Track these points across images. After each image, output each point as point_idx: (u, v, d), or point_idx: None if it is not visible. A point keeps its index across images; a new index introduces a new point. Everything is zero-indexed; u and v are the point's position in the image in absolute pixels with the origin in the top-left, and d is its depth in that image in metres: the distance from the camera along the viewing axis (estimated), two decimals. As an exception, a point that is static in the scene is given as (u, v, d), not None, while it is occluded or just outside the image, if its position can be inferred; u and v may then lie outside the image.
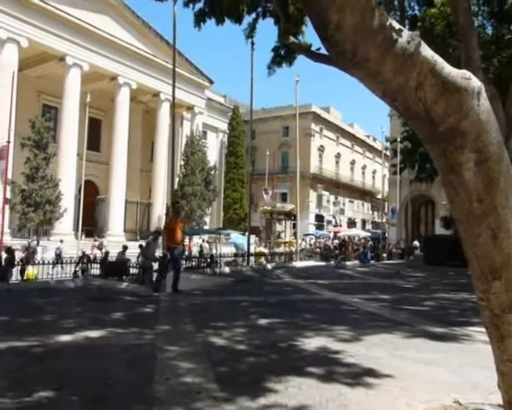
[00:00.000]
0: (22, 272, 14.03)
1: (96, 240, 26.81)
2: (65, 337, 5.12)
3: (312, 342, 5.01)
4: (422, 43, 2.10)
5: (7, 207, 22.78)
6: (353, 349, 4.73)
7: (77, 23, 28.52)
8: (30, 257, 14.76)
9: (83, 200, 25.42)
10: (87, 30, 29.22)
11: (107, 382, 3.69)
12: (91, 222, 32.06)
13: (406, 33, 2.12)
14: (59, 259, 16.88)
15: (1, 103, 24.13)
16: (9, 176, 22.79)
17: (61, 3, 27.63)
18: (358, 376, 3.85)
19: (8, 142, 19.29)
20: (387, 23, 2.12)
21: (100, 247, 25.37)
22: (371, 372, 3.95)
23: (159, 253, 12.85)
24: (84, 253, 16.62)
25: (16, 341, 4.92)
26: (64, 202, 25.76)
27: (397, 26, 2.16)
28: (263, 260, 19.13)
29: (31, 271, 14.08)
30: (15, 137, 23.08)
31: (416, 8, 10.20)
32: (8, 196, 22.98)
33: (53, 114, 31.79)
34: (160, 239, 12.42)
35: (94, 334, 5.33)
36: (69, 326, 5.83)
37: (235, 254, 18.95)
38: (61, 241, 21.65)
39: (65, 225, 26.89)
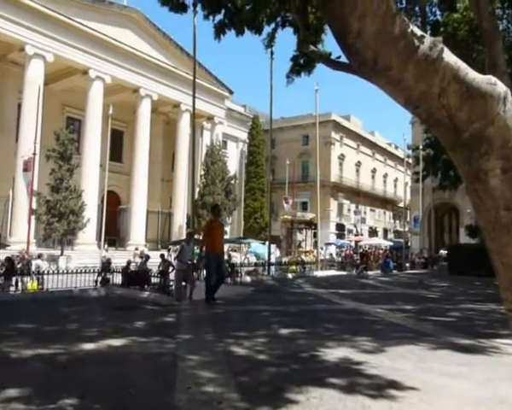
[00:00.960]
0: (16, 283, 13.48)
1: (136, 249, 27.27)
2: (88, 346, 5.18)
3: (334, 353, 4.95)
4: (445, 48, 2.07)
5: (33, 217, 23.31)
6: (376, 360, 4.65)
7: (100, 37, 29.23)
8: (24, 269, 14.32)
9: (105, 210, 25.85)
10: (109, 44, 29.90)
11: (130, 390, 3.71)
12: (114, 232, 32.53)
13: (428, 39, 2.09)
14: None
15: (28, 117, 24.86)
16: (35, 187, 23.35)
17: (85, 19, 28.39)
18: (382, 388, 3.78)
19: (34, 154, 19.80)
20: (409, 30, 2.10)
21: (141, 255, 25.78)
22: (395, 385, 3.87)
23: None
24: (103, 262, 16.72)
25: (42, 348, 5.00)
26: (87, 212, 26.22)
27: (418, 32, 2.14)
28: (294, 267, 19.19)
29: (30, 283, 13.61)
30: (41, 149, 23.67)
31: (438, 13, 10.09)
32: (34, 206, 23.53)
33: (76, 126, 32.54)
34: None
35: (116, 343, 5.38)
36: (92, 335, 5.90)
37: (256, 264, 18.92)
38: (106, 250, 21.16)
39: (88, 234, 27.35)
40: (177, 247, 16.54)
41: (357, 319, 7.52)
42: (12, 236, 24.73)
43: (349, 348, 5.23)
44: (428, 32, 8.10)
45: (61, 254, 24.30)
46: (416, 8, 9.20)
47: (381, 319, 7.63)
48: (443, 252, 33.01)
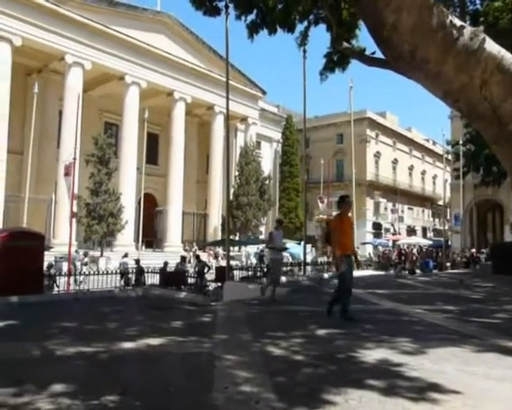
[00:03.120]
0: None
1: (211, 249, 27.97)
2: (128, 344, 5.30)
3: (373, 354, 4.85)
4: (487, 38, 1.99)
5: (74, 220, 24.12)
6: (417, 363, 4.52)
7: (135, 43, 29.95)
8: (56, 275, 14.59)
9: (142, 212, 26.45)
10: (144, 49, 30.58)
11: (168, 389, 3.77)
12: (151, 233, 33.23)
13: (468, 29, 2.02)
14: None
15: (68, 123, 25.78)
16: (76, 191, 24.16)
17: (121, 26, 29.15)
18: (423, 391, 3.67)
19: (75, 159, 20.45)
20: (447, 20, 2.03)
21: (216, 256, 26.46)
22: (437, 387, 3.74)
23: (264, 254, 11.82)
24: (138, 262, 16.96)
25: (84, 346, 5.16)
26: (125, 214, 26.88)
27: (458, 22, 2.06)
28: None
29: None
30: (81, 154, 24.48)
31: (478, 2, 9.71)
32: (75, 209, 24.35)
33: (114, 130, 33.46)
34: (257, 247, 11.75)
35: (155, 342, 5.48)
36: (132, 334, 6.03)
37: (292, 264, 18.84)
38: (126, 255, 22.00)
39: (126, 236, 28.05)
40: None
41: (396, 320, 7.35)
42: (55, 238, 25.69)
43: (388, 349, 5.11)
44: (468, 22, 7.81)
45: (101, 256, 25.04)
46: (454, -1, 8.92)
47: (421, 319, 7.42)
48: (485, 251, 31.82)
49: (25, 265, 10.29)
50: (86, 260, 19.89)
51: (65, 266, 17.32)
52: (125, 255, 20.22)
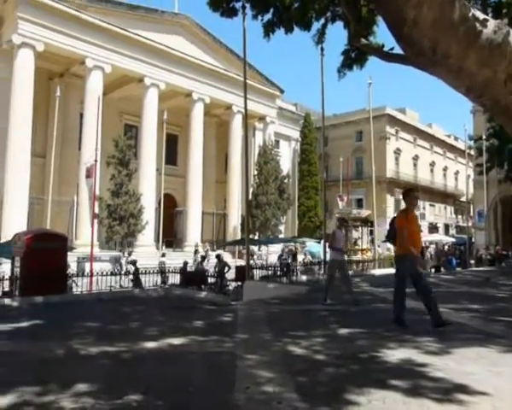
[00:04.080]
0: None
1: (244, 248, 28.19)
2: (150, 344, 5.36)
3: (396, 354, 4.79)
4: (511, 31, 1.94)
5: (95, 221, 24.51)
6: (442, 363, 4.44)
7: (153, 46, 30.23)
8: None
9: (162, 212, 26.69)
10: (163, 51, 30.84)
11: (190, 388, 3.79)
12: (171, 233, 33.52)
13: (492, 23, 1.97)
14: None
15: (89, 126, 26.20)
16: (97, 192, 24.54)
17: (139, 29, 29.47)
18: (448, 392, 3.60)
19: (96, 161, 20.78)
20: (470, 14, 1.99)
21: (252, 254, 26.76)
22: (463, 389, 3.67)
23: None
24: (134, 264, 16.95)
25: (107, 346, 5.24)
26: (145, 215, 27.16)
27: (481, 16, 2.01)
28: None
29: None
30: (101, 156, 24.83)
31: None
32: (96, 210, 24.74)
33: (134, 132, 33.84)
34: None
35: (176, 341, 5.52)
36: (153, 333, 6.10)
37: (311, 263, 18.76)
38: (164, 255, 22.14)
39: (147, 236, 28.35)
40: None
41: (419, 319, 7.23)
42: (77, 239, 26.16)
43: (411, 349, 5.04)
44: (490, 15, 7.63)
45: (123, 256, 25.35)
46: (476, -9, 8.71)
47: (446, 319, 7.29)
48: (512, 248, 31.09)
49: (48, 266, 10.51)
50: (131, 258, 20.46)
51: (87, 267, 17.63)
52: (163, 255, 20.87)
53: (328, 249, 10.60)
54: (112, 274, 13.39)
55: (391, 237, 6.90)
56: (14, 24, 24.79)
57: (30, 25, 24.73)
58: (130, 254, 21.07)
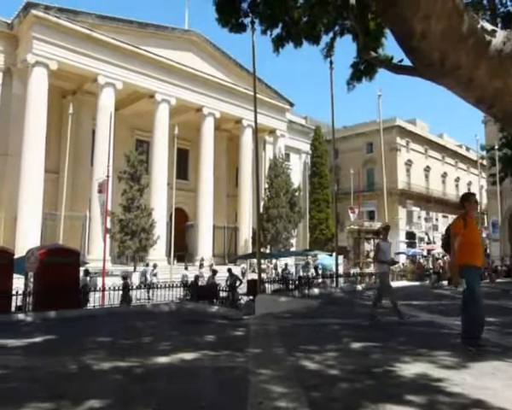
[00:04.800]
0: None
1: (269, 261, 28.25)
2: (162, 359, 5.35)
3: (411, 368, 4.71)
4: (521, 41, 1.93)
5: (108, 236, 24.67)
6: (458, 377, 4.35)
7: (164, 62, 30.68)
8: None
9: (174, 227, 26.82)
10: (173, 67, 31.27)
11: (203, 404, 3.76)
12: (182, 247, 33.60)
13: (501, 34, 1.96)
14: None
15: (101, 142, 26.57)
16: (109, 207, 24.76)
17: (150, 46, 29.95)
18: (466, 407, 3.52)
19: (108, 176, 20.98)
20: (478, 26, 1.98)
21: (275, 267, 26.91)
22: (482, 404, 3.59)
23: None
24: (125, 278, 17.02)
25: (119, 361, 5.23)
26: (157, 229, 27.30)
27: (489, 27, 2.01)
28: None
29: None
30: (113, 171, 25.12)
31: (509, 4, 9.45)
32: (108, 225, 24.93)
33: (145, 147, 34.22)
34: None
35: (188, 356, 5.50)
36: (165, 348, 6.08)
37: (324, 276, 18.62)
38: (187, 268, 22.61)
39: (158, 251, 28.45)
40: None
41: (434, 333, 7.13)
42: (90, 254, 26.34)
43: (427, 363, 4.95)
44: (499, 25, 7.62)
45: (134, 271, 25.46)
46: (484, 2, 8.71)
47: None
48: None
49: (61, 280, 10.59)
50: (156, 271, 20.85)
51: (99, 282, 17.72)
52: (186, 268, 21.11)
53: (376, 264, 10.10)
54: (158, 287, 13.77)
55: (445, 245, 6.36)
56: (28, 44, 25.38)
57: (44, 44, 25.30)
58: (155, 266, 21.40)
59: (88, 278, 15.61)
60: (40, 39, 25.18)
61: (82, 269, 16.45)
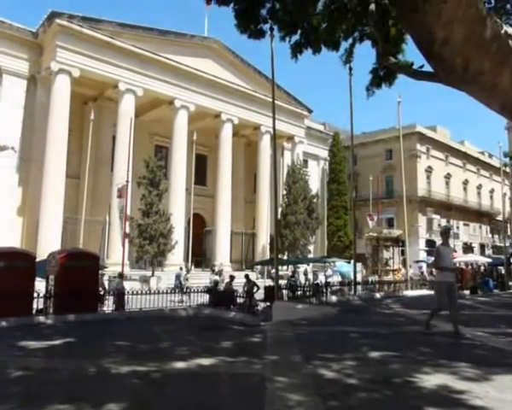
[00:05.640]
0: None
1: (300, 267, 28.50)
2: (179, 364, 5.37)
3: (431, 380, 4.62)
4: (547, 47, 1.89)
5: (126, 240, 24.94)
6: (481, 390, 4.25)
7: (183, 69, 31.00)
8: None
9: (192, 232, 26.96)
10: (192, 74, 31.57)
11: (220, 411, 3.76)
12: (200, 253, 33.73)
13: (526, 39, 1.93)
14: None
15: (121, 148, 26.94)
16: (128, 212, 25.05)
17: (170, 53, 30.32)
18: (489, 421, 3.44)
19: (127, 181, 21.25)
20: (502, 31, 1.95)
21: (305, 273, 27.12)
22: (504, 418, 3.50)
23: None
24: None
25: (137, 365, 5.27)
26: (175, 234, 27.47)
27: (514, 32, 1.98)
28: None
29: None
30: (133, 176, 25.42)
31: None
32: (127, 230, 25.20)
33: (164, 153, 34.55)
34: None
35: (205, 362, 5.51)
36: (183, 353, 6.10)
37: (341, 283, 18.46)
38: (181, 268, 23.05)
39: (176, 256, 28.61)
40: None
41: (455, 343, 6.99)
42: (109, 258, 26.66)
43: (448, 374, 4.85)
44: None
45: (152, 275, 25.65)
46: (508, 6, 8.57)
47: (483, 343, 7.01)
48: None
49: (81, 284, 10.73)
50: (188, 275, 21.21)
51: (126, 286, 18.01)
52: (217, 273, 21.85)
53: (434, 271, 9.62)
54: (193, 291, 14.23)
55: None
56: (52, 52, 25.96)
57: (67, 52, 25.85)
58: (188, 271, 21.71)
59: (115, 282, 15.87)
60: (63, 47, 25.73)
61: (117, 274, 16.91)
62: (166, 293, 13.41)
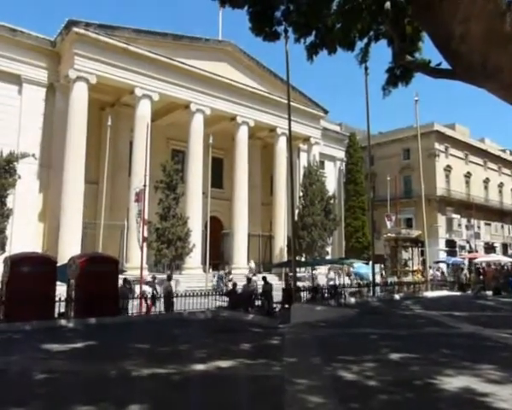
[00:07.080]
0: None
1: (340, 268, 28.49)
2: (199, 366, 5.39)
3: (453, 382, 4.54)
4: None
5: (145, 244, 25.14)
6: (505, 393, 4.16)
7: (199, 73, 31.17)
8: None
9: (209, 235, 27.04)
10: (208, 77, 31.72)
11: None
12: (217, 256, 33.81)
13: (547, 33, 1.89)
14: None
15: (138, 152, 27.21)
16: (146, 216, 25.27)
17: (185, 57, 30.55)
18: (514, 424, 3.36)
19: (145, 186, 21.42)
20: (522, 26, 1.92)
21: (348, 274, 27.18)
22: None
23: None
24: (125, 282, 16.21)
25: (157, 368, 5.32)
26: (192, 237, 27.57)
27: (534, 27, 1.94)
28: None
29: None
30: (150, 181, 25.62)
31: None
32: (146, 234, 25.39)
33: (180, 157, 34.73)
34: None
35: (224, 364, 5.52)
36: (202, 356, 6.13)
37: (360, 285, 18.30)
38: (229, 272, 23.28)
39: (194, 259, 28.72)
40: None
41: (477, 345, 6.86)
42: (128, 262, 26.94)
43: (470, 376, 4.76)
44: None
45: (170, 279, 25.77)
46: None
47: (506, 345, 6.87)
48: None
49: (101, 288, 10.86)
50: (231, 277, 21.43)
51: (137, 289, 18.13)
52: (254, 275, 21.78)
53: None
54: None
55: None
56: (70, 60, 26.41)
57: (84, 60, 26.26)
58: (229, 273, 21.91)
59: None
60: (81, 55, 26.15)
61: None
62: (209, 295, 13.66)
